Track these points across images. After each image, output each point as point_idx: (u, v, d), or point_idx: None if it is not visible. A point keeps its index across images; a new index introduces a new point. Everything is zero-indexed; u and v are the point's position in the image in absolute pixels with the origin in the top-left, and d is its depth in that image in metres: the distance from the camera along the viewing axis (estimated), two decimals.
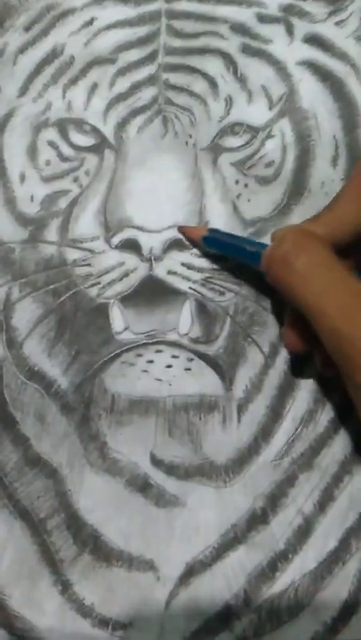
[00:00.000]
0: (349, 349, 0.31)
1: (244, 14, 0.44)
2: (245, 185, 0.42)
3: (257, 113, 0.43)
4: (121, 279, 0.41)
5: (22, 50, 0.45)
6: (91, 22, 0.44)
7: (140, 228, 0.40)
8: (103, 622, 0.38)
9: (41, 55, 0.44)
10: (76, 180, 0.42)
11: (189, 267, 0.41)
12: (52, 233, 0.42)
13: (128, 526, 0.39)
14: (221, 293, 0.41)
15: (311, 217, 0.37)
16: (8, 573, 0.39)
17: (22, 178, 0.43)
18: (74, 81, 0.44)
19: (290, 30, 0.44)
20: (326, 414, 0.40)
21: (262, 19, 0.44)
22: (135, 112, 0.42)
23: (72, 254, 0.41)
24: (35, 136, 0.43)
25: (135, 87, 0.43)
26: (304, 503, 0.39)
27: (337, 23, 0.44)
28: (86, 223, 0.42)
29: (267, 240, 0.38)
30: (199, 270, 0.41)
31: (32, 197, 0.42)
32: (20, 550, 0.39)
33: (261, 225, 0.41)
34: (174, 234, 0.40)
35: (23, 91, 0.44)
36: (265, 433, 0.40)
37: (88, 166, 0.42)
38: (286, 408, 0.40)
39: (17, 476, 0.40)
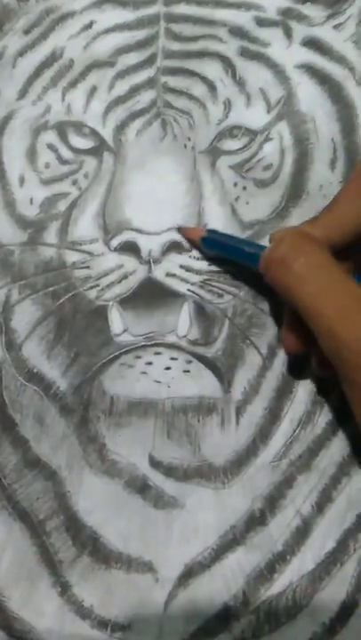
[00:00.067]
0: (346, 350, 0.32)
1: (242, 18, 0.44)
2: (244, 188, 0.42)
3: (255, 116, 0.43)
4: (120, 281, 0.41)
5: (22, 53, 0.45)
6: (90, 26, 0.45)
7: (138, 231, 0.41)
8: (102, 624, 0.38)
9: (40, 58, 0.44)
10: (75, 182, 0.43)
11: (188, 269, 0.41)
12: (51, 235, 0.42)
13: (127, 528, 0.39)
14: (220, 296, 0.41)
15: (310, 219, 0.37)
16: (7, 575, 0.39)
17: (22, 180, 0.43)
18: (73, 84, 0.44)
19: (288, 34, 0.44)
20: (324, 416, 0.40)
21: (261, 22, 0.44)
22: (134, 115, 0.43)
23: (71, 257, 0.42)
24: (34, 139, 0.43)
25: (134, 90, 0.43)
26: (302, 505, 0.39)
27: (335, 27, 0.45)
28: (85, 226, 0.42)
29: (265, 243, 0.38)
30: (198, 273, 0.41)
31: (31, 200, 0.43)
32: (20, 552, 0.39)
33: (260, 227, 0.42)
34: (173, 236, 0.41)
35: (22, 93, 0.44)
36: (263, 435, 0.40)
37: (87, 169, 0.43)
38: (284, 410, 0.40)
39: (16, 477, 0.40)
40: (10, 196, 0.43)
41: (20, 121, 0.44)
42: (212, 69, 0.43)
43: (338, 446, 0.40)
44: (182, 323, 0.40)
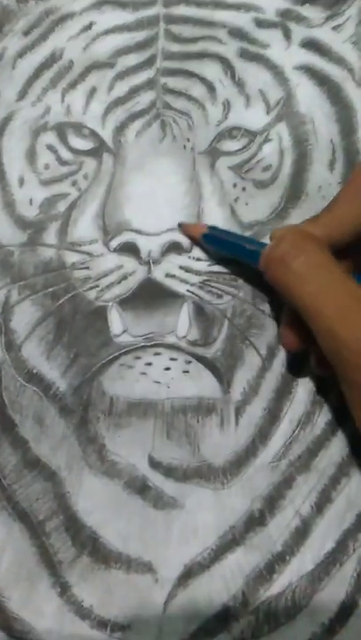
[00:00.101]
0: (345, 350, 0.32)
1: (241, 19, 0.44)
2: (243, 188, 0.42)
3: (255, 117, 0.43)
4: (119, 282, 0.41)
5: (21, 54, 0.45)
6: (89, 27, 0.45)
7: (138, 232, 0.41)
8: (102, 624, 0.38)
9: (40, 59, 0.45)
10: (74, 183, 0.43)
11: (187, 270, 0.41)
12: (50, 236, 0.42)
13: (126, 528, 0.39)
14: (219, 296, 0.41)
15: (310, 218, 0.37)
16: (7, 575, 0.39)
17: (21, 181, 0.43)
18: (73, 85, 0.44)
19: (287, 35, 0.44)
20: (324, 416, 0.40)
21: (260, 23, 0.44)
22: (134, 116, 0.43)
23: (71, 257, 0.42)
24: (34, 140, 0.43)
25: (134, 91, 0.43)
26: (301, 505, 0.39)
27: (334, 28, 0.45)
28: (85, 226, 0.42)
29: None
30: (197, 273, 0.41)
31: (31, 201, 0.43)
32: (19, 552, 0.39)
33: (259, 228, 0.42)
34: (172, 237, 0.41)
35: (22, 95, 0.44)
36: (262, 435, 0.40)
37: (87, 170, 0.43)
38: (284, 410, 0.40)
39: (16, 478, 0.40)
40: (9, 196, 0.43)
41: (20, 122, 0.44)
42: (212, 70, 0.43)
43: (337, 447, 0.40)
44: (182, 323, 0.40)
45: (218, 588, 0.38)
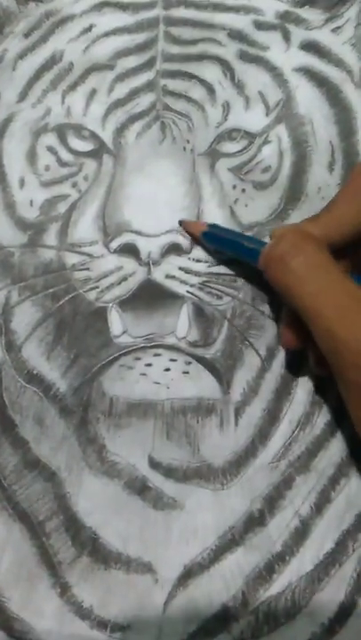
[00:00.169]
0: (343, 349, 0.32)
1: (241, 21, 0.45)
2: (243, 190, 0.42)
3: (254, 119, 0.43)
4: (119, 283, 0.41)
5: (22, 56, 0.45)
6: (89, 29, 0.45)
7: (138, 233, 0.41)
8: (102, 624, 0.38)
9: (40, 61, 0.45)
10: (74, 185, 0.43)
11: (187, 271, 0.41)
12: (51, 237, 0.42)
13: (126, 529, 0.39)
14: (219, 297, 0.41)
15: (310, 217, 0.37)
16: (7, 576, 0.39)
17: (22, 183, 0.43)
18: (73, 87, 0.44)
19: (286, 37, 0.44)
20: (323, 417, 0.40)
21: (259, 26, 0.45)
22: (133, 118, 0.43)
23: (71, 258, 0.42)
24: (34, 141, 0.44)
25: (133, 93, 0.43)
26: (301, 505, 0.39)
27: (333, 30, 0.45)
28: (85, 228, 0.42)
29: None
30: (197, 274, 0.41)
31: (31, 202, 0.43)
32: (19, 552, 0.39)
33: (259, 230, 0.42)
34: (172, 238, 0.41)
35: (22, 96, 0.44)
36: (262, 436, 0.40)
37: (87, 171, 0.43)
38: (283, 411, 0.40)
39: (16, 478, 0.40)
40: (10, 198, 0.43)
41: (20, 123, 0.44)
42: (211, 72, 0.43)
43: (336, 447, 0.40)
44: (181, 324, 0.41)
45: (218, 588, 0.38)
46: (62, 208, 0.42)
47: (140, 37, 0.44)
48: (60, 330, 0.41)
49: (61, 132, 0.43)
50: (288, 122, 0.43)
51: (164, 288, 0.41)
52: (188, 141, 0.42)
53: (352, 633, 0.37)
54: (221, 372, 0.40)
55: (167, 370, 0.40)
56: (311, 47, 0.44)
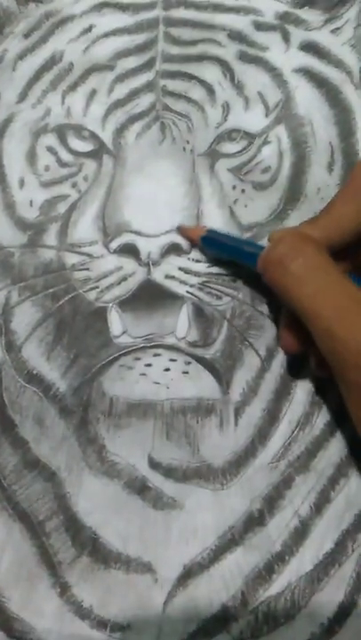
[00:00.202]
0: (343, 350, 0.32)
1: (241, 22, 0.45)
2: (242, 190, 0.42)
3: (254, 119, 0.43)
4: (119, 283, 0.41)
5: (21, 56, 0.45)
6: (89, 29, 0.45)
7: (138, 233, 0.41)
8: (101, 624, 0.38)
9: (40, 62, 0.45)
10: (74, 185, 0.43)
11: (187, 271, 0.41)
12: (51, 237, 0.42)
13: (126, 529, 0.39)
14: (219, 297, 0.41)
15: (308, 219, 0.37)
16: (7, 575, 0.39)
17: (21, 183, 0.43)
18: (73, 87, 0.44)
19: (286, 38, 0.44)
20: (322, 417, 0.40)
21: (259, 26, 0.45)
22: (133, 118, 0.43)
23: (71, 259, 0.42)
24: (34, 142, 0.44)
25: (133, 94, 0.43)
26: (301, 505, 0.39)
27: (333, 31, 0.45)
28: (85, 228, 0.42)
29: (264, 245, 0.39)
30: (197, 275, 0.41)
31: (31, 202, 0.43)
32: (19, 552, 0.39)
33: (258, 230, 0.42)
34: (172, 238, 0.41)
35: (22, 97, 0.44)
36: (262, 436, 0.40)
37: (87, 172, 0.43)
38: (283, 411, 0.40)
39: (16, 478, 0.40)
40: (10, 198, 0.43)
41: (20, 124, 0.44)
42: (211, 73, 0.44)
43: (336, 447, 0.40)
44: (181, 324, 0.41)
45: (217, 588, 0.38)
46: (62, 208, 0.42)
47: (139, 38, 0.44)
48: (59, 330, 0.41)
49: (61, 132, 0.43)
50: (288, 122, 0.43)
51: (164, 288, 0.41)
52: (187, 142, 0.42)
53: (351, 633, 0.37)
54: (221, 372, 0.40)
55: (167, 370, 0.40)
56: (311, 48, 0.44)
